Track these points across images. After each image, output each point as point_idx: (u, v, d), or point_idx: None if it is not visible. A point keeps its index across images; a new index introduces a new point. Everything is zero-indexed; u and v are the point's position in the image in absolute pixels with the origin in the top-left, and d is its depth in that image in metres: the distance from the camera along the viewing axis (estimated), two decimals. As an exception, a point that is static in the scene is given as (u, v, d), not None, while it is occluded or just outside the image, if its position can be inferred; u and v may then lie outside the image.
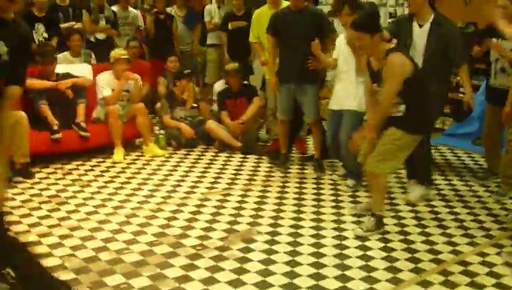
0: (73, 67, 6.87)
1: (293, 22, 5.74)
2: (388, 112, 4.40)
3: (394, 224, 4.72)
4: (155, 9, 8.94)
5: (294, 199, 5.29)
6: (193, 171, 6.04)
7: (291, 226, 4.62)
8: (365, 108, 5.10)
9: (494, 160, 5.85)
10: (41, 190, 5.38)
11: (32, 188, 5.43)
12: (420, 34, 5.05)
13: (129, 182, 5.65)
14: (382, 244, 4.32)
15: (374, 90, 4.54)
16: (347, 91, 5.36)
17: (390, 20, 8.68)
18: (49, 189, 5.41)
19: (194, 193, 5.40)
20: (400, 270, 3.91)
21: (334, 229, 4.60)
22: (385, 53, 4.29)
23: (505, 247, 4.31)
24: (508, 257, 4.14)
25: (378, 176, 4.50)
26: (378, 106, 4.43)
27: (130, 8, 9.00)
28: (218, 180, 5.79)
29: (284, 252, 4.14)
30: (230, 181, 5.76)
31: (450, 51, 5.00)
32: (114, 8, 8.73)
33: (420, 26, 5.07)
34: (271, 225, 4.64)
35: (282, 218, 4.80)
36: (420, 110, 4.43)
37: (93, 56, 7.72)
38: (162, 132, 7.02)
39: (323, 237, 4.44)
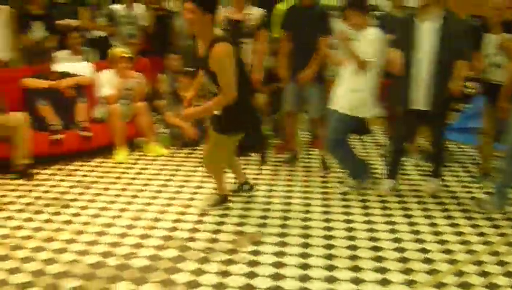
0: (74, 66, 6.74)
1: (301, 19, 5.70)
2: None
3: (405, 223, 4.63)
4: (154, 6, 8.78)
5: (302, 197, 5.19)
6: (198, 171, 5.92)
7: (300, 227, 4.53)
8: (354, 112, 5.09)
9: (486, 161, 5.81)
10: (43, 192, 5.25)
11: (34, 190, 5.30)
12: (427, 32, 4.84)
13: (132, 183, 5.53)
14: (396, 245, 4.22)
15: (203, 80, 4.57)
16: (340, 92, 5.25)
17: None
18: (51, 191, 5.29)
19: (200, 193, 5.28)
20: (413, 270, 3.82)
21: (345, 229, 4.50)
22: (212, 39, 4.16)
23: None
24: None
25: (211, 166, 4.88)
26: (218, 98, 4.26)
27: (136, 7, 8.81)
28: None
29: (295, 255, 4.04)
30: (235, 181, 5.64)
31: (460, 47, 4.81)
32: (117, 6, 8.57)
33: (426, 22, 4.86)
34: (280, 226, 4.54)
35: (290, 218, 4.70)
36: (235, 109, 4.31)
37: (93, 54, 7.57)
38: (164, 130, 6.88)
39: (334, 237, 4.34)
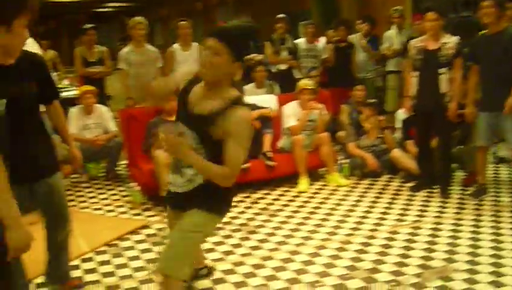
0: (259, 98, 7.07)
1: (491, 47, 5.57)
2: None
3: None
4: (337, 38, 8.97)
5: (491, 233, 4.96)
6: (379, 202, 5.91)
7: (490, 264, 4.33)
8: None
9: None
10: (232, 218, 5.54)
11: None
12: None
13: (315, 212, 5.66)
14: None
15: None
16: None
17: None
18: (239, 217, 5.57)
19: (382, 225, 5.26)
20: None
21: (540, 269, 4.24)
22: (235, 98, 2.99)
23: None
24: None
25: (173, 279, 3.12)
26: (222, 169, 2.97)
27: (319, 42, 9.10)
28: (406, 211, 5.61)
29: (485, 293, 3.88)
30: (419, 213, 5.55)
31: None
32: (300, 40, 8.90)
33: None
34: (468, 262, 4.38)
35: (479, 255, 4.51)
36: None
37: (276, 87, 7.89)
38: (346, 161, 6.98)
39: (528, 277, 4.11)
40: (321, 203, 5.96)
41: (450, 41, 5.79)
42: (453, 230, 5.07)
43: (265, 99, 7.08)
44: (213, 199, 3.14)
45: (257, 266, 4.40)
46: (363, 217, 5.49)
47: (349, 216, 5.52)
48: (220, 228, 5.24)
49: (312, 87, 6.78)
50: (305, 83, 6.83)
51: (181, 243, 3.11)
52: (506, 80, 5.45)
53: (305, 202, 6.01)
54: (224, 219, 5.31)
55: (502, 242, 4.75)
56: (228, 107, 2.94)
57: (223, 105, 2.95)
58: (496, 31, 5.52)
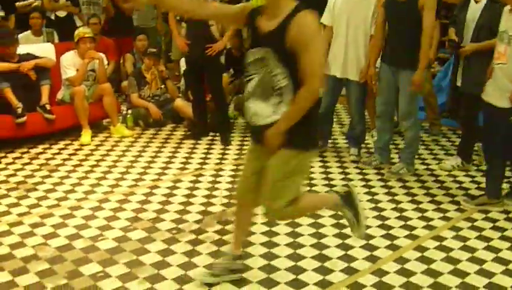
0: (35, 47, 6.66)
1: None
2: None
3: (367, 200, 4.75)
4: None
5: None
6: (163, 152, 5.96)
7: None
8: None
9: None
10: (7, 176, 5.22)
11: (-2, 174, 5.29)
12: (475, 10, 5.04)
13: (99, 165, 5.55)
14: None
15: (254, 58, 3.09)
16: None
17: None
18: (16, 175, 5.26)
19: (166, 174, 5.33)
20: (376, 248, 3.94)
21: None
22: (291, 10, 2.95)
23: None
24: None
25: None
26: (301, 92, 2.95)
27: None
28: (189, 160, 5.73)
29: (260, 233, 4.12)
30: (201, 161, 5.70)
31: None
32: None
33: (476, 2, 5.09)
34: (246, 205, 4.61)
35: (256, 197, 4.77)
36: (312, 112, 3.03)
37: (55, 35, 7.49)
38: (129, 111, 6.90)
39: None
40: (105, 155, 5.85)
41: None
42: (233, 176, 5.29)
43: (42, 49, 6.67)
44: (299, 135, 3.04)
45: (35, 225, 4.22)
46: (147, 167, 5.51)
47: (133, 167, 5.50)
48: (-6, 188, 4.94)
49: (91, 35, 6.51)
50: (84, 31, 6.53)
51: (280, 186, 3.09)
52: None
53: (88, 155, 5.86)
54: (0, 178, 5.09)
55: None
56: (290, 16, 2.94)
57: (286, 16, 2.95)
58: None
